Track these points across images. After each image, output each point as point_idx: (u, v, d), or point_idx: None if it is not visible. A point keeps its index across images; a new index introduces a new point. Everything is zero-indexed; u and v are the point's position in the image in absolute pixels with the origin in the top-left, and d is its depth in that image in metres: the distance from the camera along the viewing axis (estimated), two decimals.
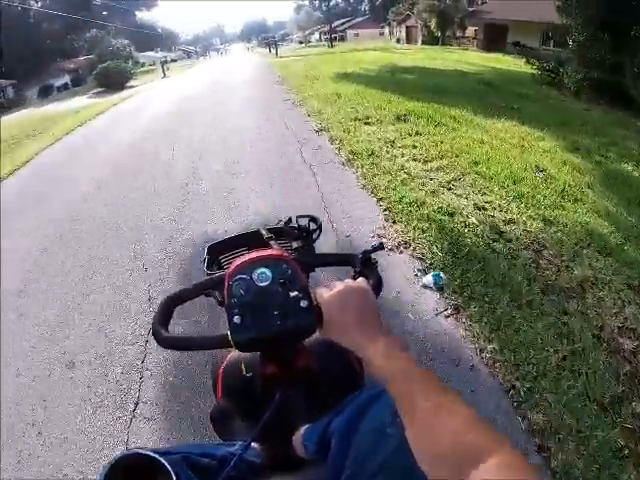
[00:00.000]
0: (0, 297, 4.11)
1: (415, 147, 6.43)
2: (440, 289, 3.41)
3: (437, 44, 36.91)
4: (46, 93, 44.73)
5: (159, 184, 6.40)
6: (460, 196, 4.86)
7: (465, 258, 3.73)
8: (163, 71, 34.10)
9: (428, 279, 3.48)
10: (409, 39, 46.75)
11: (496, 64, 21.52)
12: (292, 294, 0.98)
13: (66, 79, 48.57)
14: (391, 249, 3.97)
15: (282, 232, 1.42)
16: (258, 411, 1.14)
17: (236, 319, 0.96)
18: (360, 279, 1.02)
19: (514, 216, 4.44)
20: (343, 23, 71.27)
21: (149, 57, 60.47)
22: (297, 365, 1.24)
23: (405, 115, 8.15)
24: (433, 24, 37.59)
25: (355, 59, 22.40)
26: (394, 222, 4.40)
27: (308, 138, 7.46)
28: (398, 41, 48.81)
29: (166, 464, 0.80)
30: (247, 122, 9.39)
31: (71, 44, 53.70)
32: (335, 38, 56.45)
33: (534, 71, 16.24)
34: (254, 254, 1.07)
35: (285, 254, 1.09)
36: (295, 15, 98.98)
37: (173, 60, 69.31)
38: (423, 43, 40.07)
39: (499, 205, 4.65)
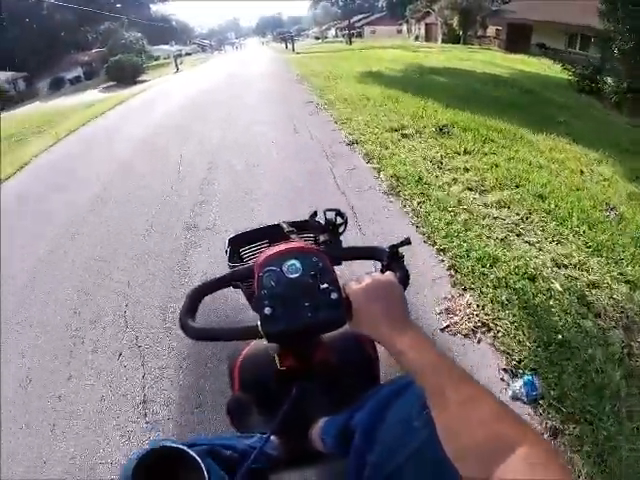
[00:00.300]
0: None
1: (467, 171, 5.41)
2: (533, 401, 2.42)
3: (458, 43, 35.74)
4: (57, 86, 44.23)
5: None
6: (533, 246, 3.80)
7: (558, 349, 2.71)
8: (176, 65, 33.19)
9: (519, 387, 2.47)
10: (428, 37, 45.54)
11: (524, 66, 20.48)
12: (322, 286, 0.98)
13: (79, 72, 47.96)
14: (466, 335, 2.91)
15: (303, 226, 1.40)
16: (275, 404, 1.15)
17: (267, 310, 0.95)
18: (388, 273, 1.00)
19: (597, 277, 3.38)
20: (360, 19, 69.96)
21: (163, 50, 59.84)
22: (315, 358, 1.23)
23: (446, 126, 7.08)
24: (455, 22, 36.44)
25: (376, 57, 21.38)
26: (464, 289, 3.32)
27: (339, 153, 6.44)
28: (417, 39, 47.63)
29: (197, 457, 0.79)
30: (266, 130, 8.32)
31: (84, 36, 52.89)
32: (352, 34, 55.20)
33: (570, 77, 15.20)
34: (283, 246, 1.06)
35: (314, 247, 1.08)
36: (311, 10, 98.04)
37: (187, 54, 69.36)
38: (443, 41, 38.94)
39: (579, 261, 3.57)
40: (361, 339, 1.50)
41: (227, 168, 6.48)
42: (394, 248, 1.12)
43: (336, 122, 8.11)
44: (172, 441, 0.84)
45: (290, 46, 36.07)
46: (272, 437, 1.21)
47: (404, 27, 59.46)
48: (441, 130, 6.94)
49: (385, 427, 0.97)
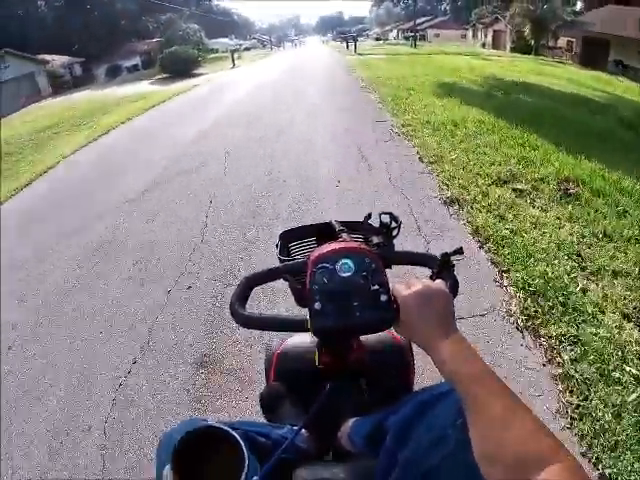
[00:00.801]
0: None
1: (617, 275, 3.40)
2: None
3: (528, 53, 33.17)
4: (114, 73, 43.15)
5: None
6: None
7: None
8: (232, 60, 31.67)
9: None
10: (496, 44, 43.08)
11: (608, 87, 18.01)
12: (373, 287, 0.97)
13: (137, 60, 47.02)
14: None
15: (355, 227, 1.34)
16: (308, 398, 1.20)
17: (317, 305, 0.96)
18: (438, 281, 0.98)
19: None
20: (423, 22, 67.39)
21: (222, 44, 58.86)
22: (351, 357, 1.24)
23: (570, 184, 4.94)
24: (527, 31, 33.82)
25: (447, 65, 19.28)
26: None
27: (434, 222, 4.41)
28: (483, 46, 45.26)
29: (240, 442, 0.80)
30: (328, 164, 6.35)
31: (145, 26, 51.93)
32: (416, 37, 52.79)
33: None
34: (338, 245, 1.06)
35: (368, 248, 1.06)
36: (374, 10, 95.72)
37: (247, 49, 67.73)
38: (512, 50, 36.40)
39: None
40: (398, 342, 1.47)
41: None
42: (446, 256, 1.06)
43: (422, 159, 6.11)
44: (215, 422, 0.83)
45: (351, 47, 34.04)
46: (302, 430, 1.17)
47: (469, 32, 56.89)
48: (566, 191, 4.83)
49: (418, 432, 0.93)
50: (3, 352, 3.42)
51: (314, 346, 1.26)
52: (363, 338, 1.28)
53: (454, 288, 1.03)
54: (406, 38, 60.03)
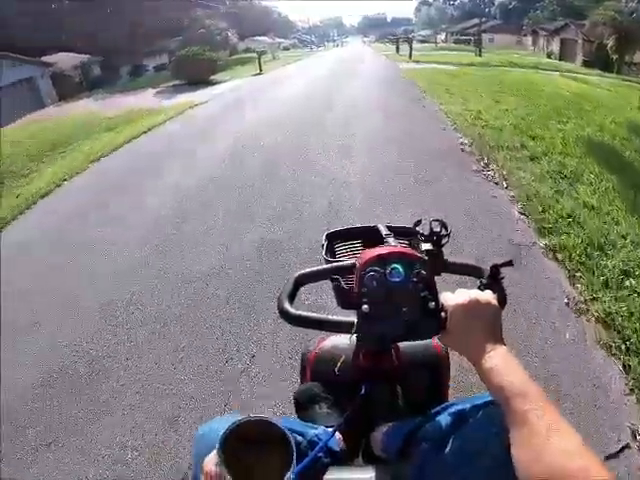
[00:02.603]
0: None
1: None
2: None
3: (608, 69, 26.08)
4: (137, 73, 38.77)
5: None
6: None
7: None
8: (259, 65, 25.65)
9: None
10: (564, 55, 36.04)
11: None
12: (422, 294, 0.96)
13: (164, 59, 41.28)
14: None
15: (401, 232, 1.34)
16: (342, 400, 1.26)
17: (365, 308, 0.94)
18: (488, 292, 0.97)
19: None
20: (474, 26, 60.24)
21: (260, 42, 52.39)
22: (388, 363, 1.24)
23: None
24: (611, 43, 26.80)
25: (550, 91, 12.88)
26: None
27: None
28: (549, 56, 38.16)
29: (288, 435, 0.77)
30: None
31: (177, 23, 45.59)
32: (469, 42, 46.20)
33: None
34: (388, 248, 1.04)
35: (418, 254, 1.04)
36: (420, 12, 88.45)
37: (285, 48, 64.03)
38: (585, 64, 29.33)
39: None
40: (436, 351, 1.45)
41: None
42: (495, 268, 1.05)
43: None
44: (263, 416, 0.79)
45: (403, 50, 27.46)
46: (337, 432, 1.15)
47: (529, 39, 49.94)
48: None
49: (456, 442, 0.92)
50: None
51: (352, 348, 1.26)
52: (402, 344, 1.27)
53: (502, 300, 1.02)
54: (457, 42, 53.39)
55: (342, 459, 1.16)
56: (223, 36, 36.48)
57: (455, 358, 1.29)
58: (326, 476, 1.04)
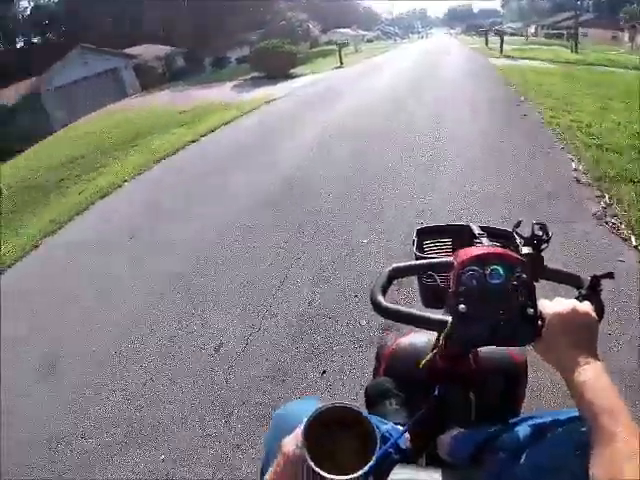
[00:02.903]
0: None
1: None
2: None
3: None
4: (220, 65, 38.51)
5: None
6: None
7: None
8: (340, 58, 24.54)
9: None
10: None
11: None
12: (520, 299, 0.91)
13: (246, 52, 40.73)
14: None
15: (494, 233, 1.28)
16: (414, 399, 1.22)
17: (461, 308, 0.91)
18: (586, 303, 0.92)
19: None
20: (566, 19, 56.51)
21: (342, 34, 51.69)
22: (466, 367, 1.18)
23: None
24: None
25: None
26: None
27: None
28: None
29: (373, 424, 0.74)
30: None
31: (259, 15, 45.21)
32: (561, 36, 43.22)
33: None
34: (489, 249, 1.01)
35: (520, 257, 0.99)
36: (510, 3, 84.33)
37: (369, 40, 62.17)
38: None
39: None
40: (515, 360, 1.37)
41: None
42: (596, 279, 0.99)
43: None
44: (347, 404, 0.76)
45: (492, 42, 25.54)
46: (401, 427, 1.15)
47: (625, 34, 45.93)
48: None
49: (534, 456, 0.88)
50: None
51: (430, 347, 1.13)
52: (481, 349, 1.20)
53: (600, 313, 0.95)
54: (547, 36, 50.16)
55: (408, 458, 1.13)
56: (304, 28, 35.60)
57: (532, 369, 1.42)
58: (393, 473, 1.01)
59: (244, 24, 39.25)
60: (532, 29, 65.07)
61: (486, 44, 27.48)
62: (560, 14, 59.14)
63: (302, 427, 0.73)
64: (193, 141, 10.63)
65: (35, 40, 45.01)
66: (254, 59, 23.45)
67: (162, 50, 37.71)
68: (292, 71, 22.87)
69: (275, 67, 22.15)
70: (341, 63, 24.01)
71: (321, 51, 33.28)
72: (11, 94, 26.99)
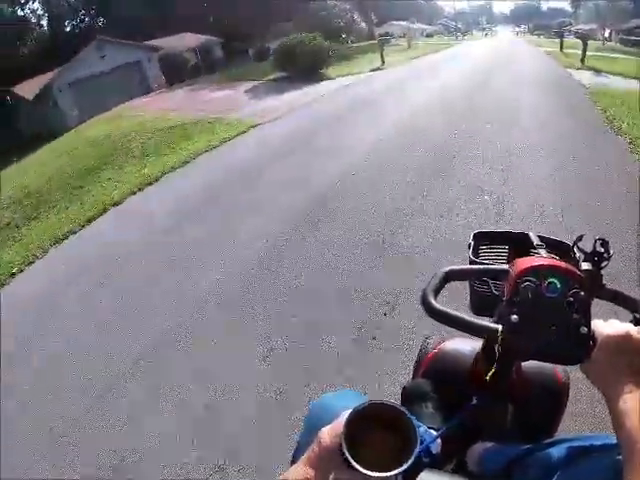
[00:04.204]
0: None
1: None
2: None
3: None
4: (261, 56, 33.98)
5: None
6: None
7: None
8: (382, 57, 20.00)
9: None
10: None
11: None
12: (575, 316, 0.87)
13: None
14: None
15: (554, 245, 1.22)
16: (451, 405, 1.16)
17: (514, 318, 0.88)
18: None
19: None
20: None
21: (401, 27, 47.57)
22: (509, 379, 1.11)
23: None
24: None
25: None
26: None
27: None
28: None
29: (416, 428, 0.72)
30: None
31: (304, 6, 40.66)
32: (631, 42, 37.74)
33: None
34: (547, 260, 0.96)
35: (579, 272, 0.94)
36: (584, 1, 76.93)
37: (428, 35, 57.47)
38: None
39: None
40: (558, 379, 1.32)
41: None
42: None
43: None
44: (388, 402, 0.74)
45: (568, 48, 20.78)
46: (434, 433, 1.10)
47: None
48: None
49: (566, 479, 0.88)
50: None
51: (473, 355, 1.18)
52: (525, 364, 1.14)
53: None
54: (623, 42, 44.11)
55: (437, 464, 1.09)
56: (348, 19, 30.66)
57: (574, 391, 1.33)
58: (420, 477, 0.99)
59: (285, 12, 34.81)
60: (607, 33, 57.96)
61: (561, 49, 22.19)
62: (637, 19, 52.91)
63: (345, 418, 0.71)
64: (138, 190, 7.93)
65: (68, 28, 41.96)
66: (278, 56, 19.23)
67: (199, 39, 34.32)
68: (323, 71, 18.66)
69: (302, 66, 18.06)
70: (382, 62, 19.60)
71: (366, 46, 28.38)
72: (32, 87, 25.20)
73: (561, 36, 24.65)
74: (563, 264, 0.93)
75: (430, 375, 1.37)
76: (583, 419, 2.28)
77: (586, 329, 0.85)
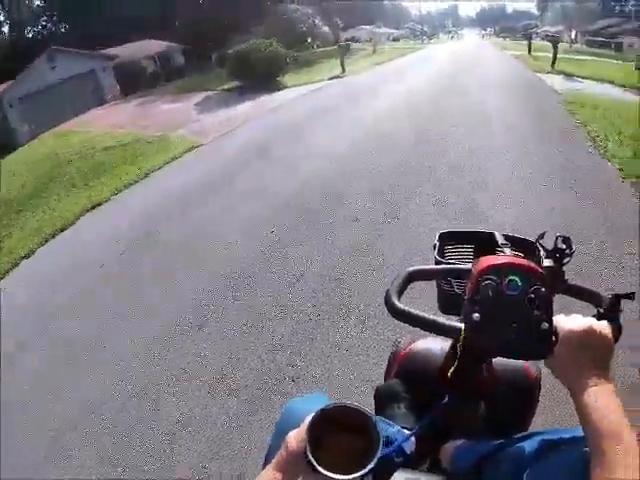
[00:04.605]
0: None
1: None
2: None
3: None
4: (223, 63, 32.89)
5: None
6: None
7: None
8: (342, 64, 18.63)
9: None
10: None
11: None
12: (536, 312, 0.86)
13: None
14: None
15: (519, 243, 1.22)
16: (423, 405, 1.15)
17: (475, 316, 0.86)
18: (604, 322, 0.87)
19: None
20: (608, 26, 50.32)
21: (368, 32, 46.33)
22: (478, 377, 1.08)
23: None
24: None
25: None
26: None
27: None
28: None
29: (379, 429, 0.72)
30: None
31: (272, 9, 39.07)
32: (607, 44, 37.37)
33: None
34: (508, 258, 0.95)
35: (540, 269, 0.92)
36: (551, 3, 77.18)
37: (395, 39, 56.61)
38: None
39: None
40: (529, 375, 1.32)
41: None
42: (617, 298, 0.94)
43: None
44: (353, 404, 0.74)
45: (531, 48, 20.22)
46: (407, 432, 1.09)
47: None
48: None
49: (537, 473, 0.86)
50: None
51: (443, 354, 1.13)
52: (495, 360, 1.09)
53: (617, 334, 0.90)
54: (589, 44, 43.82)
55: (412, 463, 1.10)
56: (310, 24, 29.08)
57: (547, 386, 1.32)
58: (395, 476, 1.01)
59: (255, 16, 33.41)
60: (572, 34, 57.67)
61: (529, 52, 21.18)
62: (603, 20, 52.92)
63: (307, 423, 0.72)
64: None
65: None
66: (231, 65, 17.80)
67: (160, 46, 32.68)
68: (280, 79, 17.36)
69: (257, 75, 16.68)
70: (343, 70, 18.28)
71: (332, 51, 27.11)
72: None
73: (529, 38, 23.81)
74: (524, 262, 0.91)
75: (402, 375, 1.36)
76: (558, 412, 2.18)
77: (547, 325, 0.84)
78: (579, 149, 6.24)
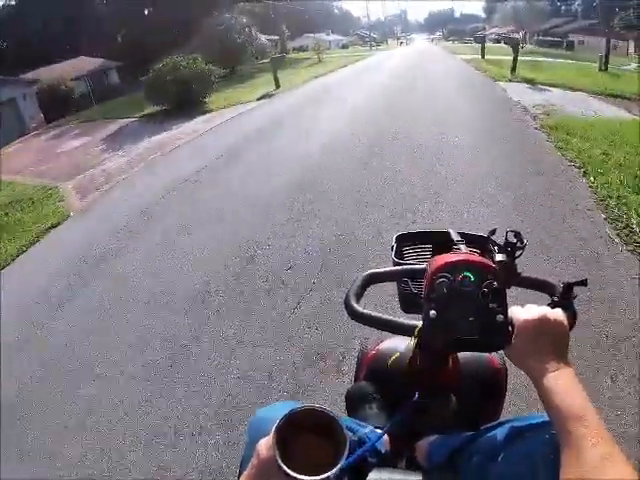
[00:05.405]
0: None
1: None
2: None
3: None
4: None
5: None
6: None
7: None
8: (275, 80, 15.96)
9: None
10: None
11: None
12: (490, 305, 0.86)
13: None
14: None
15: (474, 240, 1.21)
16: (394, 403, 1.15)
17: (432, 314, 0.87)
18: (558, 310, 0.86)
19: None
20: (556, 26, 49.00)
21: (315, 40, 43.18)
22: (445, 372, 1.11)
23: None
24: None
25: None
26: None
27: None
28: None
29: (343, 426, 0.71)
30: None
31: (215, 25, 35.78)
32: (559, 44, 36.36)
33: None
34: (460, 256, 0.94)
35: (492, 264, 0.92)
36: (487, 7, 76.07)
37: (344, 46, 57.66)
38: None
39: None
40: (494, 366, 1.31)
41: None
42: (569, 286, 0.94)
43: None
44: (319, 407, 0.73)
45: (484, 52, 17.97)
46: (380, 431, 1.07)
47: (629, 43, 36.77)
48: None
49: (508, 460, 0.86)
50: None
51: (410, 352, 1.14)
52: (461, 354, 1.12)
53: (572, 320, 0.91)
54: (540, 44, 42.52)
55: (387, 462, 1.08)
56: (247, 33, 25.90)
57: (512, 377, 1.29)
58: (370, 476, 0.99)
59: (184, 30, 30.25)
60: (519, 35, 56.12)
61: (482, 56, 18.92)
62: (551, 20, 51.78)
63: (274, 429, 0.71)
64: None
65: None
66: (147, 89, 14.78)
67: (93, 64, 30.30)
68: (206, 100, 14.85)
69: (175, 97, 14.00)
70: (277, 86, 15.72)
71: (268, 65, 24.37)
72: None
73: (482, 41, 21.63)
74: (476, 258, 0.92)
75: (371, 376, 1.33)
76: (527, 399, 2.09)
77: (502, 316, 0.84)
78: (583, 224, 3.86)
